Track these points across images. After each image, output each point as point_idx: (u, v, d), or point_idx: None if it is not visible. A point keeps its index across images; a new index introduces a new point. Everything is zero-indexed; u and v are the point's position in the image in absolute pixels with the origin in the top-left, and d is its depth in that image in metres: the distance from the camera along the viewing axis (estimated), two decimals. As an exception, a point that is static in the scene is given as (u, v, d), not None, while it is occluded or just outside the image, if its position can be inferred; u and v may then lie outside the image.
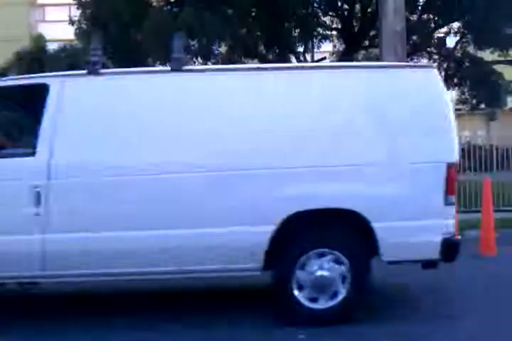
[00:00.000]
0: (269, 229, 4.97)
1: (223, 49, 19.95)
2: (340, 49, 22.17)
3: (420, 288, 6.38)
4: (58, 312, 5.69)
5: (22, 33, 37.45)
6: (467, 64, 21.25)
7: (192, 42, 16.81)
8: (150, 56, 16.75)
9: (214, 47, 18.30)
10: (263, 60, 19.98)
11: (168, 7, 16.59)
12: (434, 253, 5.08)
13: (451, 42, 21.49)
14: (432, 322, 5.06)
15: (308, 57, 22.81)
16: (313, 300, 5.07)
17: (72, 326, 5.13)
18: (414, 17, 18.70)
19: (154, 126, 5.16)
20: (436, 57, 22.15)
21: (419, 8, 18.27)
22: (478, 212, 8.77)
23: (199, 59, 18.41)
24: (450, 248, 5.12)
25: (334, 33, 21.95)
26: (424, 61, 22.37)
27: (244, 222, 4.98)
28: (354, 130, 5.18)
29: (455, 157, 5.23)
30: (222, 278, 5.49)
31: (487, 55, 21.23)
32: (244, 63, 21.03)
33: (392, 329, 4.86)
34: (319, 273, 5.02)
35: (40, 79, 5.53)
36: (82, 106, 5.24)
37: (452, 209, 5.14)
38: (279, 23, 17.07)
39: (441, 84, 5.46)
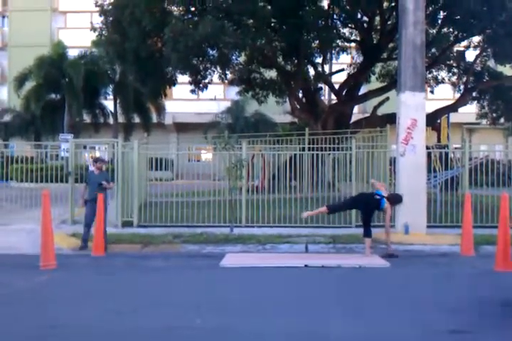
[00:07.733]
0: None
1: (242, 59, 20.05)
2: (359, 61, 22.15)
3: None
4: None
5: (44, 40, 37.95)
6: (487, 78, 21.14)
7: (211, 52, 16.91)
8: (170, 64, 16.85)
9: (233, 57, 18.38)
10: (281, 70, 20.05)
11: (189, 16, 16.68)
12: None
13: (470, 56, 21.39)
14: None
15: (326, 68, 22.84)
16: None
17: None
18: (434, 30, 18.65)
19: None
20: (455, 70, 22.06)
21: (439, 21, 18.21)
22: (495, 227, 8.63)
23: (218, 68, 18.53)
24: None
25: (353, 44, 22.00)
26: (443, 74, 22.32)
27: None
28: None
29: None
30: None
31: (507, 70, 21.12)
32: (262, 73, 21.24)
33: None
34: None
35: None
36: None
37: None
38: (298, 34, 17.13)
39: None
